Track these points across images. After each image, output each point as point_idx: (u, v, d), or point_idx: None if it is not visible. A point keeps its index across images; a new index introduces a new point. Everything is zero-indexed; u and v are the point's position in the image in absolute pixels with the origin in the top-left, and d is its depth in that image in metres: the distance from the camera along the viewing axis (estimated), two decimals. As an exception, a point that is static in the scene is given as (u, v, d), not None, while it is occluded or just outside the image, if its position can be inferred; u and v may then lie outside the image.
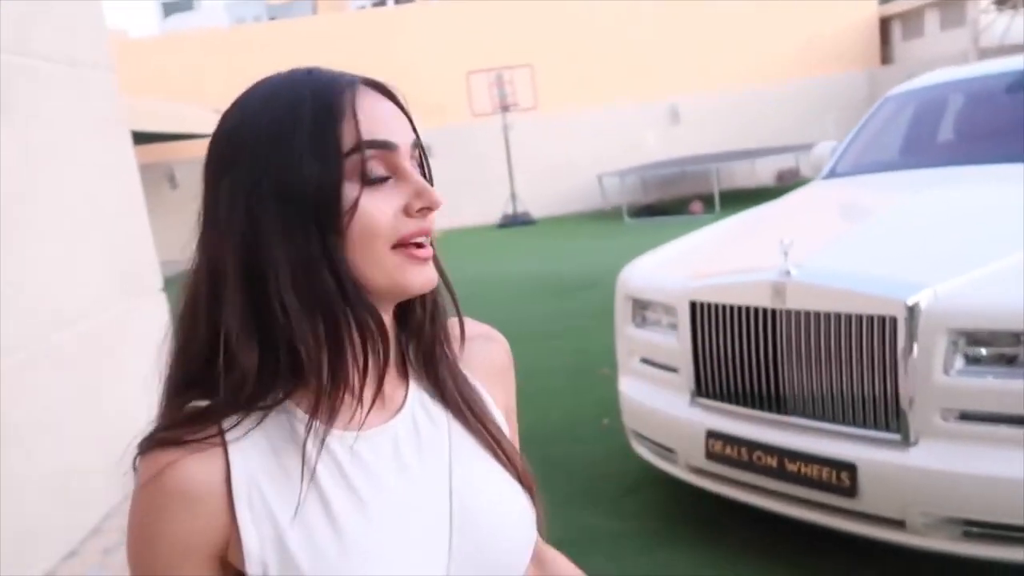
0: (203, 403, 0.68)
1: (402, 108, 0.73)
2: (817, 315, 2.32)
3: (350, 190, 0.66)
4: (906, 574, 2.41)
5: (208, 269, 0.69)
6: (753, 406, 2.51)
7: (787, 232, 2.91)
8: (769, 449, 2.42)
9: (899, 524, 2.21)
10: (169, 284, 14.02)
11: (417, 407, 0.76)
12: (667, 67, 15.35)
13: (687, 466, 2.74)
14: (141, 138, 13.56)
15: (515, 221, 14.58)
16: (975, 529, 2.11)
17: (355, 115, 0.67)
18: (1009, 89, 3.69)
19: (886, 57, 16.06)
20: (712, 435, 2.58)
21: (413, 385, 0.77)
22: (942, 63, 8.09)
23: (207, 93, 14.76)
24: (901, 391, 2.17)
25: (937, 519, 2.15)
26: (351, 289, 0.67)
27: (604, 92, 15.18)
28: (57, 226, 3.32)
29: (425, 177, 0.72)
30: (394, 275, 0.68)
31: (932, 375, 2.13)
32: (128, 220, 4.43)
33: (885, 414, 2.22)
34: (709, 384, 2.65)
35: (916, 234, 2.63)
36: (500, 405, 0.84)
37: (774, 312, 2.41)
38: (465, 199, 15.65)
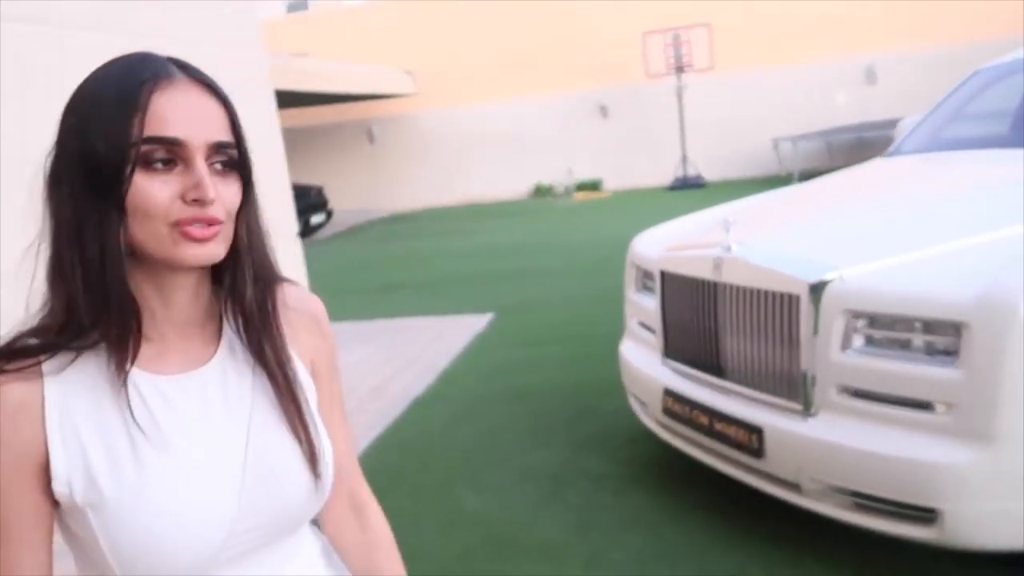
0: (30, 340, 0.78)
1: (229, 113, 0.80)
2: (743, 290, 2.50)
3: (137, 173, 0.75)
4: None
5: (49, 223, 0.79)
6: (699, 368, 2.74)
7: (787, 212, 3.06)
8: (703, 409, 2.65)
9: (796, 487, 2.39)
10: (366, 229, 15.57)
11: (228, 359, 0.85)
12: (863, 22, 14.27)
13: (654, 419, 3.02)
14: (339, 99, 15.02)
15: (685, 184, 14.47)
16: (862, 501, 2.25)
17: (149, 108, 0.75)
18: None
19: None
20: (667, 393, 2.84)
21: (226, 340, 0.87)
22: None
23: (406, 59, 15.96)
24: (803, 365, 2.33)
25: (827, 487, 2.30)
26: (110, 259, 0.76)
27: (788, 51, 14.47)
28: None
29: (243, 172, 0.82)
30: (167, 248, 0.77)
31: (830, 352, 2.27)
32: (270, 173, 5.27)
33: (790, 385, 2.38)
34: (672, 346, 2.90)
35: (881, 217, 2.68)
36: (307, 362, 0.93)
37: (715, 285, 2.62)
38: (638, 160, 15.74)
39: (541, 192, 16.24)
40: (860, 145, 13.95)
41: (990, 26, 13.83)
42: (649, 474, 3.26)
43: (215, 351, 0.85)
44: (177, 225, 0.76)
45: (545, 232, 11.49)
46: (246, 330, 0.86)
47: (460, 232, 12.62)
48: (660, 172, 15.16)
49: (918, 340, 2.15)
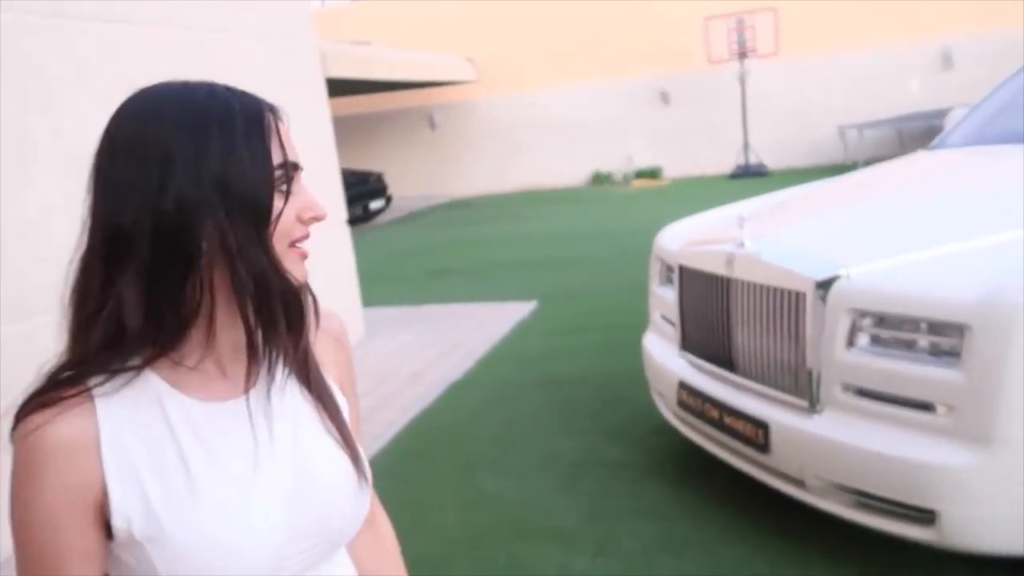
0: (77, 364, 0.76)
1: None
2: (754, 285, 2.51)
3: (276, 198, 0.78)
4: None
5: (106, 239, 0.75)
6: (712, 362, 2.76)
7: (806, 209, 3.04)
8: (714, 402, 2.67)
9: (800, 483, 2.40)
10: (425, 215, 15.76)
11: (265, 381, 0.84)
12: (938, 3, 13.68)
13: (671, 411, 3.05)
14: (400, 86, 15.23)
15: (747, 172, 14.20)
16: (864, 499, 2.25)
17: (279, 135, 0.79)
18: None
19: None
20: (682, 385, 2.87)
21: (264, 362, 0.85)
22: None
23: (467, 45, 16.07)
24: (809, 362, 2.33)
25: (830, 484, 2.31)
26: (281, 268, 0.79)
27: (857, 35, 14.00)
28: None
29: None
30: (287, 267, 0.80)
31: (835, 350, 2.27)
32: (320, 159, 5.43)
33: (797, 382, 2.39)
34: (688, 340, 2.92)
35: (898, 214, 2.64)
36: (334, 379, 0.94)
37: (728, 280, 2.63)
38: (699, 147, 15.51)
39: (599, 179, 16.17)
40: (933, 133, 13.39)
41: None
42: (666, 465, 3.29)
43: (256, 375, 0.84)
44: (294, 245, 0.81)
45: (600, 220, 11.46)
46: (294, 351, 0.87)
47: (515, 218, 12.70)
48: (721, 160, 14.91)
49: (923, 341, 2.13)
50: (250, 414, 0.82)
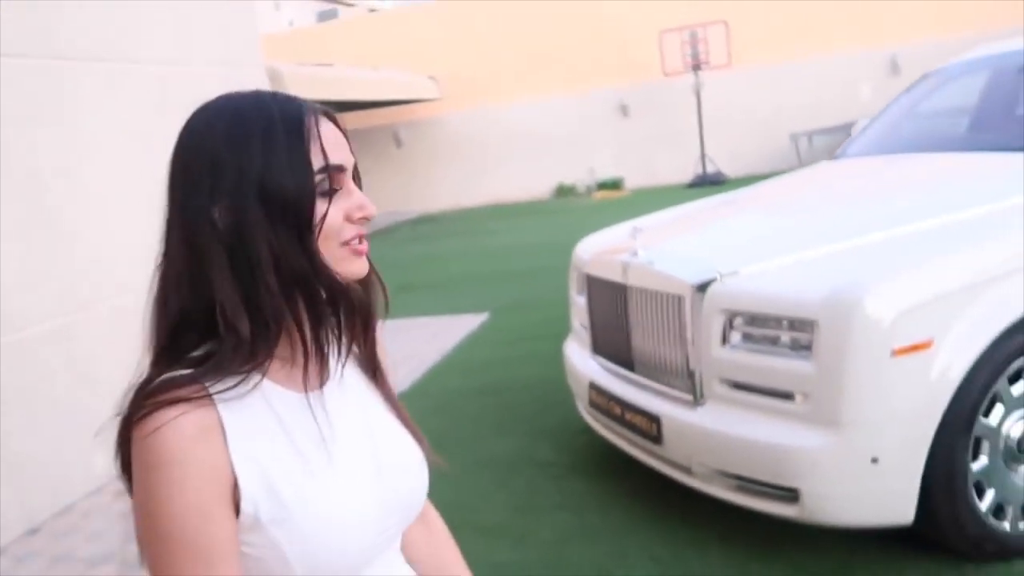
0: (185, 371, 0.79)
1: (344, 135, 0.88)
2: (646, 291, 2.74)
3: (319, 201, 0.81)
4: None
5: (188, 252, 0.80)
6: (616, 363, 2.99)
7: (700, 219, 3.29)
8: (617, 400, 2.90)
9: (688, 471, 2.62)
10: (394, 231, 15.83)
11: (337, 369, 0.91)
12: (884, 12, 14.15)
13: (586, 411, 3.27)
14: (365, 105, 15.43)
15: (705, 181, 14.53)
16: (742, 483, 2.48)
17: (320, 139, 0.82)
18: (1022, 70, 3.55)
19: None
20: (592, 386, 3.09)
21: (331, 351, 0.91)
22: None
23: (430, 62, 16.32)
24: (691, 359, 2.57)
25: (713, 470, 2.53)
26: (323, 270, 0.82)
27: (807, 45, 14.43)
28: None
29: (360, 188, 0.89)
30: (340, 265, 0.84)
31: (712, 348, 2.50)
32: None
33: (682, 378, 2.62)
34: (598, 343, 3.15)
35: (778, 222, 2.89)
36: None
37: (624, 287, 2.86)
38: (659, 157, 15.85)
39: (563, 192, 16.45)
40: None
41: (1016, 13, 13.59)
42: (589, 462, 3.51)
43: (329, 364, 0.89)
44: (347, 244, 0.84)
45: (561, 232, 11.69)
46: (369, 341, 0.93)
47: (480, 232, 12.93)
48: (681, 169, 15.25)
49: (784, 337, 2.37)
50: (310, 407, 0.85)
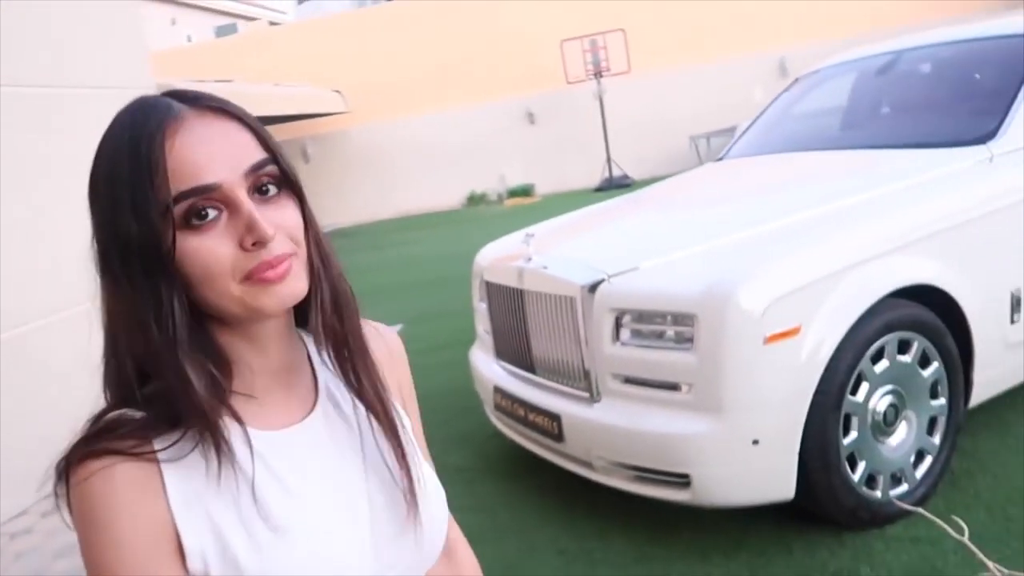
0: (135, 414, 0.70)
1: (249, 125, 0.72)
2: (540, 295, 2.84)
3: (180, 238, 0.67)
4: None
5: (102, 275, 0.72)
6: (517, 366, 3.07)
7: (591, 222, 3.41)
8: (521, 402, 2.98)
9: (589, 465, 2.73)
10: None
11: (327, 403, 0.80)
12: (772, 18, 14.86)
13: (492, 414, 3.35)
14: (269, 121, 15.15)
15: (612, 184, 14.89)
16: (640, 473, 2.60)
17: (165, 165, 0.67)
18: (882, 72, 3.84)
19: (1028, -8, 14.55)
20: (496, 389, 3.17)
21: (323, 381, 0.81)
22: None
23: (336, 75, 16.17)
24: (585, 357, 2.67)
25: (611, 463, 2.65)
26: (178, 340, 0.69)
27: (702, 51, 15.00)
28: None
29: (290, 186, 0.74)
30: (245, 303, 0.70)
31: (603, 345, 2.61)
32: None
33: (579, 376, 2.72)
34: (500, 348, 3.23)
35: (663, 222, 3.05)
36: (395, 395, 0.88)
37: (521, 292, 2.95)
38: (567, 163, 16.14)
39: (475, 200, 16.56)
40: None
41: (891, 15, 14.50)
42: (499, 464, 3.59)
43: (316, 397, 0.80)
44: (248, 278, 0.69)
45: (474, 240, 11.64)
46: (339, 361, 0.80)
47: (393, 244, 12.89)
48: (589, 174, 15.57)
49: (669, 331, 2.50)
50: (245, 455, 0.73)
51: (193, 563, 0.69)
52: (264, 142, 0.73)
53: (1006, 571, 2.05)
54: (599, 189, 15.01)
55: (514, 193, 16.13)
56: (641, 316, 2.56)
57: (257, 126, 0.74)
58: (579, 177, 15.97)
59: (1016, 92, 3.05)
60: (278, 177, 0.73)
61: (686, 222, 3.05)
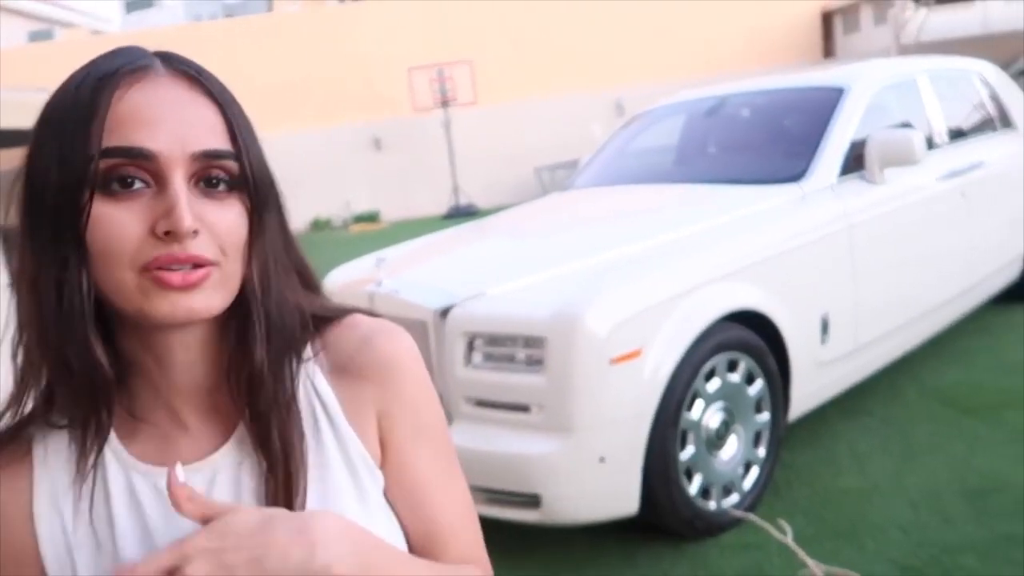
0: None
1: (224, 109, 0.63)
2: (392, 319, 2.82)
3: (95, 202, 0.58)
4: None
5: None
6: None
7: (444, 248, 3.44)
8: (371, 429, 2.93)
9: (442, 489, 2.72)
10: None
11: (247, 442, 0.66)
12: (609, 60, 15.73)
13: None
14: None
15: (459, 212, 15.06)
16: (493, 495, 2.62)
17: (106, 113, 0.58)
18: (709, 114, 4.17)
19: (828, 51, 16.33)
20: (346, 417, 3.10)
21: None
22: (874, 57, 8.36)
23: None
24: (438, 381, 2.68)
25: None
26: (69, 318, 0.59)
27: (546, 86, 15.62)
28: None
29: (251, 192, 0.63)
30: (135, 301, 0.59)
31: (456, 369, 2.63)
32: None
33: (431, 400, 2.72)
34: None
35: (513, 248, 3.14)
36: (370, 431, 0.71)
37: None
38: (415, 190, 16.17)
39: (319, 225, 16.18)
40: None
41: (722, 62, 15.77)
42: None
43: (233, 430, 0.66)
44: (146, 269, 0.58)
45: (321, 265, 11.30)
46: (250, 403, 0.65)
47: (231, 270, 12.33)
48: (435, 202, 15.67)
49: (520, 354, 2.56)
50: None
51: None
52: (235, 133, 0.63)
53: (824, 567, 2.25)
54: (447, 217, 15.14)
55: (360, 219, 15.92)
56: (493, 339, 2.61)
57: (234, 114, 0.64)
58: (425, 205, 16.04)
59: (821, 136, 3.42)
60: (234, 176, 0.62)
61: (534, 248, 3.15)
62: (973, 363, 4.01)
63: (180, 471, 0.59)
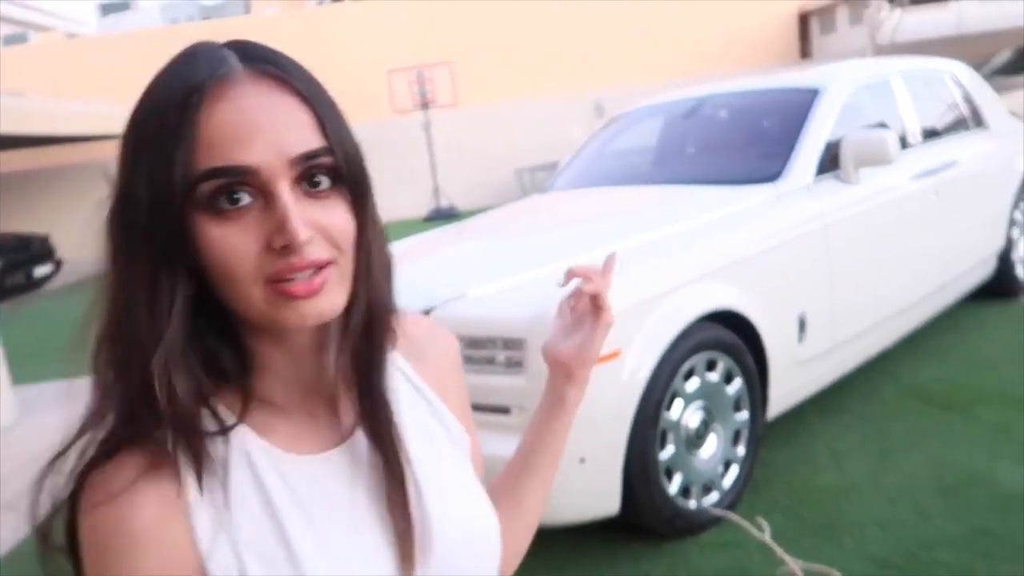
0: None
1: (311, 103, 0.62)
2: (371, 323, 2.82)
3: (202, 224, 0.58)
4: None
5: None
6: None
7: (425, 250, 3.43)
8: (351, 433, 2.92)
9: (422, 492, 2.72)
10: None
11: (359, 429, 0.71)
12: (589, 61, 15.79)
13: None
14: (65, 139, 13.97)
15: (439, 214, 15.04)
16: (473, 496, 2.62)
17: (196, 134, 0.57)
18: (687, 115, 4.19)
19: (805, 52, 16.49)
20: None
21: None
22: (850, 58, 8.45)
23: (133, 91, 15.16)
24: (417, 385, 2.67)
25: (445, 488, 2.65)
26: (173, 341, 0.60)
27: (526, 88, 15.65)
28: None
29: (352, 185, 0.64)
30: (266, 312, 0.61)
31: (436, 372, 2.63)
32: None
33: (411, 404, 2.72)
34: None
35: (494, 250, 3.14)
36: (454, 410, 0.79)
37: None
38: (396, 192, 16.10)
39: (300, 228, 16.15)
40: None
41: (701, 63, 15.88)
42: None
43: (354, 418, 0.70)
44: (271, 282, 0.59)
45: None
46: (360, 389, 0.68)
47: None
48: (415, 204, 15.64)
49: (500, 356, 2.56)
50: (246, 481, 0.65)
51: None
52: (324, 126, 0.62)
53: (802, 564, 2.27)
54: (428, 219, 15.12)
55: (340, 222, 15.89)
56: (472, 342, 2.61)
57: (321, 104, 0.63)
58: (406, 207, 16.00)
59: (796, 137, 3.45)
60: (334, 171, 0.62)
61: (514, 250, 3.14)
62: (948, 360, 4.06)
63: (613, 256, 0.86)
